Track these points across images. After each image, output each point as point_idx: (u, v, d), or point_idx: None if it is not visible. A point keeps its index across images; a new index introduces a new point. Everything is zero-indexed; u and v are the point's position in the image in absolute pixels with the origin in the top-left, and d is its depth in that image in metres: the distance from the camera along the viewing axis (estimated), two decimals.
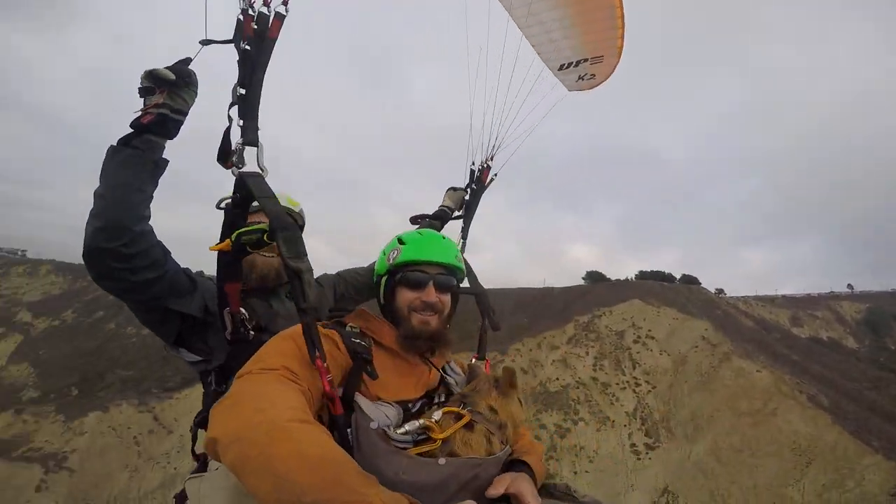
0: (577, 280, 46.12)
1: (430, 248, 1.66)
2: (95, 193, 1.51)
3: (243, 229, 1.52)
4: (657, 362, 28.37)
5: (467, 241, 2.80)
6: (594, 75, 2.98)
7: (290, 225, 1.38)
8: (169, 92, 1.55)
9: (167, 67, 1.51)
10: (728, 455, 19.44)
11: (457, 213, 2.78)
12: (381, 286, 1.70)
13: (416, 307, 1.60)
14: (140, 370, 34.44)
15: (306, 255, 1.37)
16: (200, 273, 2.01)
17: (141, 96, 1.56)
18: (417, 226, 2.60)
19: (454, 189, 2.80)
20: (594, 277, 44.58)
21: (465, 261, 2.17)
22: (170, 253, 1.73)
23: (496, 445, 1.39)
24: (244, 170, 1.47)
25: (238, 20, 1.52)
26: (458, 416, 1.39)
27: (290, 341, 1.33)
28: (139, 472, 25.28)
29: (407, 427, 1.32)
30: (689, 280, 43.47)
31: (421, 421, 1.34)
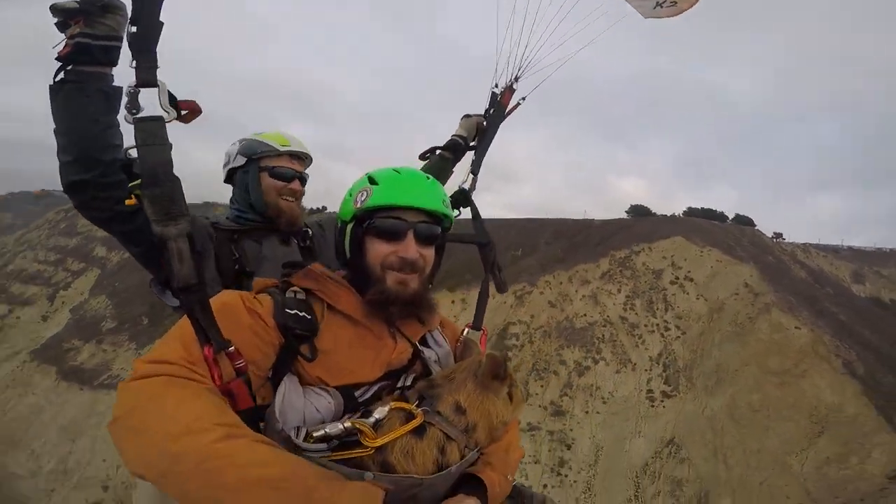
0: (620, 214, 44.10)
1: (409, 189, 1.37)
2: (55, 132, 1.50)
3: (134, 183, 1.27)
4: (692, 307, 27.74)
5: (479, 177, 2.43)
6: (675, 2, 2.61)
7: (162, 180, 1.12)
8: (85, 21, 1.41)
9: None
10: (743, 413, 19.46)
11: (472, 144, 2.53)
12: (346, 236, 1.42)
13: (392, 264, 1.34)
14: None
15: (181, 216, 1.11)
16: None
17: (61, 31, 1.44)
18: (426, 161, 2.43)
19: (468, 116, 2.54)
20: (638, 211, 42.67)
21: (472, 203, 2.11)
22: None
23: (453, 455, 1.16)
24: (142, 114, 1.21)
25: None
26: (410, 416, 1.15)
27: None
28: None
29: (327, 429, 1.07)
30: (744, 221, 40.73)
31: (346, 423, 1.08)
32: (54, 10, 1.39)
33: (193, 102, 1.35)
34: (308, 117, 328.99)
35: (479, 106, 2.58)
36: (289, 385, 1.16)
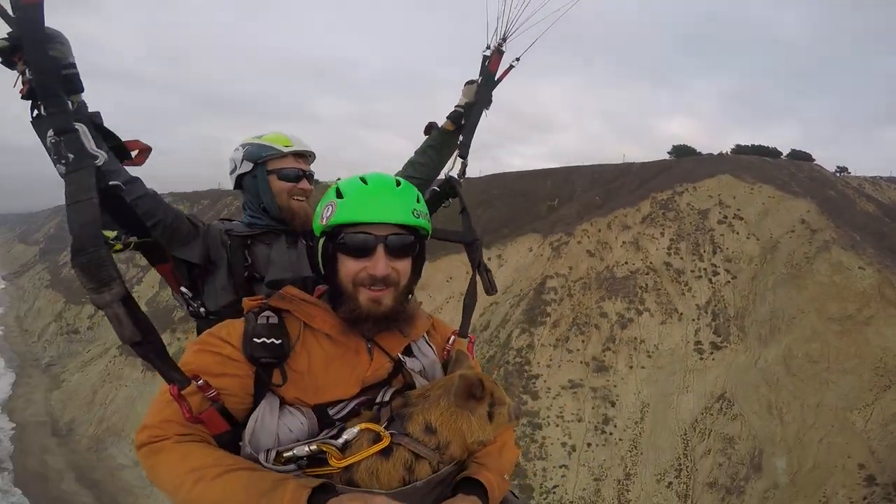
0: (662, 156, 41.68)
1: (375, 203, 1.33)
2: None
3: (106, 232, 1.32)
4: (742, 248, 26.33)
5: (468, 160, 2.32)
6: None
7: (88, 248, 1.13)
8: (25, 58, 1.33)
9: (3, 37, 1.33)
10: (801, 365, 18.58)
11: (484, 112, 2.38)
12: (318, 252, 1.41)
13: (363, 280, 1.34)
14: None
15: (112, 280, 1.13)
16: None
17: (10, 69, 1.38)
18: (428, 137, 2.38)
19: (471, 82, 2.34)
20: (681, 152, 40.19)
21: (459, 194, 2.11)
22: (164, 202, 1.82)
23: (422, 472, 1.22)
24: (70, 165, 1.23)
25: None
26: (379, 437, 1.21)
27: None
28: None
29: (295, 451, 1.17)
30: (801, 157, 37.74)
31: (313, 446, 1.17)
32: None
33: (139, 142, 1.55)
34: (336, 90, 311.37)
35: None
36: (265, 408, 1.25)
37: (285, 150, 2.08)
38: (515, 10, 2.19)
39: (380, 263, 1.32)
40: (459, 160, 2.24)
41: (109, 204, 1.39)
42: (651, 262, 27.86)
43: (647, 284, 26.71)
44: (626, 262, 28.36)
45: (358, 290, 1.34)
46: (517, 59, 2.33)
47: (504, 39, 2.28)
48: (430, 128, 2.34)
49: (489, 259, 30.74)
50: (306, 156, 2.19)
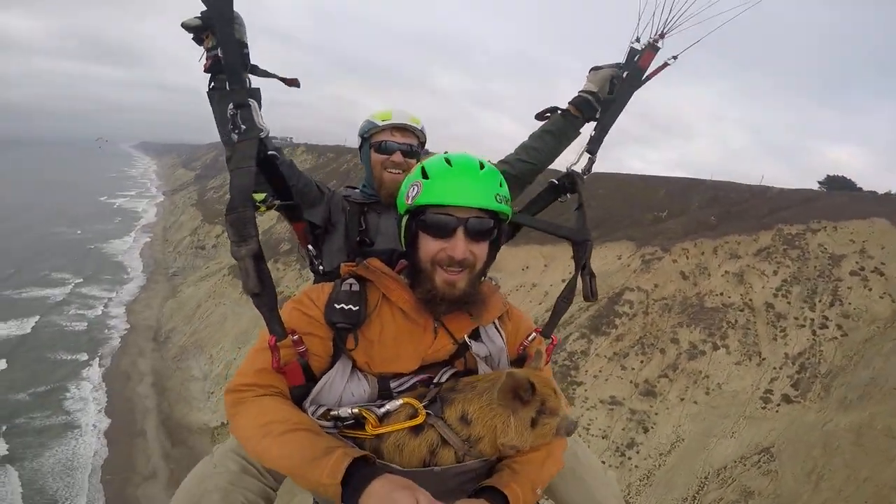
0: (811, 185, 36.50)
1: (458, 186, 1.36)
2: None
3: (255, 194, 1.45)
4: (869, 306, 22.50)
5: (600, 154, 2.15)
6: None
7: (239, 207, 1.28)
8: (211, 34, 1.55)
9: (198, 16, 1.56)
10: (874, 437, 15.64)
11: (607, 98, 2.15)
12: (401, 229, 1.47)
13: (441, 261, 1.39)
14: None
15: (251, 238, 1.26)
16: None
17: (199, 45, 1.60)
18: (544, 123, 2.27)
19: (597, 68, 2.15)
20: (835, 184, 34.46)
21: (579, 191, 1.98)
22: (298, 171, 2.12)
23: (444, 459, 1.27)
24: (240, 136, 1.42)
25: None
26: (416, 413, 1.28)
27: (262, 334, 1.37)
28: None
29: (339, 412, 1.29)
30: None
31: (355, 410, 1.29)
32: (184, 27, 1.56)
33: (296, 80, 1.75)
34: (456, 67, 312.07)
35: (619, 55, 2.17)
36: (338, 370, 1.39)
37: (381, 123, 2.25)
38: (680, 2, 1.93)
39: (459, 245, 1.36)
40: (587, 155, 2.10)
41: (266, 170, 1.58)
42: (750, 300, 24.90)
43: (736, 321, 24.02)
44: (722, 294, 25.69)
45: (435, 270, 1.40)
46: (674, 58, 2.09)
47: (662, 35, 2.05)
48: (547, 113, 2.20)
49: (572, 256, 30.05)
50: (407, 130, 2.29)
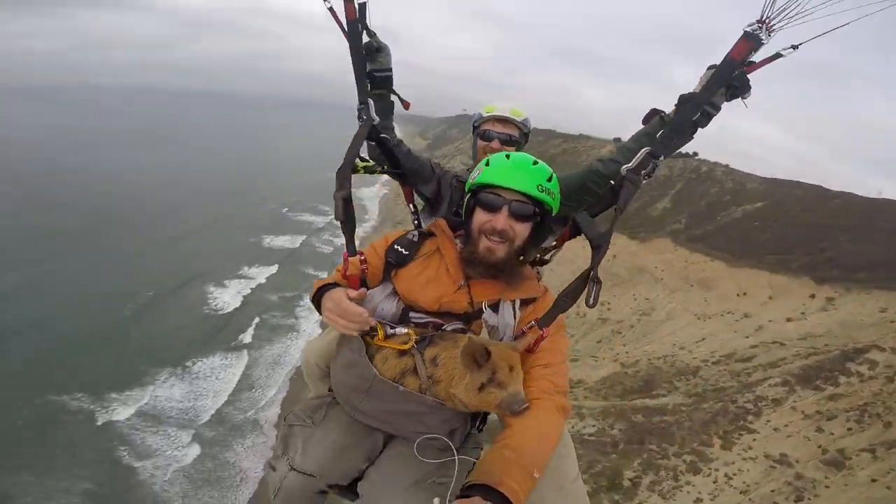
0: None
1: (509, 173, 1.73)
2: None
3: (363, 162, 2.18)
4: None
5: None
6: None
7: (343, 168, 1.91)
8: (369, 58, 2.21)
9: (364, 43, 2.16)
10: None
11: (717, 99, 1.81)
12: (465, 203, 1.87)
13: (486, 230, 1.74)
14: None
15: (345, 187, 1.86)
16: None
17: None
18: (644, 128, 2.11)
19: (713, 67, 1.79)
20: None
21: (625, 196, 1.79)
22: (414, 156, 2.52)
23: (407, 383, 1.61)
24: (361, 123, 2.05)
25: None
26: (406, 341, 1.65)
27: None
28: None
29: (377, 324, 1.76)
30: None
31: (374, 323, 1.70)
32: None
33: (406, 102, 2.40)
34: (693, 58, 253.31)
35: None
36: (379, 289, 1.90)
37: (486, 114, 2.65)
38: None
39: (501, 219, 1.71)
40: (652, 161, 1.79)
41: (382, 147, 2.27)
42: None
43: None
44: None
45: (480, 238, 1.74)
46: (794, 47, 1.62)
47: (763, 22, 1.58)
48: (652, 115, 2.02)
49: (831, 297, 24.63)
50: (507, 121, 2.63)
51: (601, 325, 30.13)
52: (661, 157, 1.80)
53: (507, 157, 1.78)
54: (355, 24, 2.02)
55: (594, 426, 19.08)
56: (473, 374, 1.49)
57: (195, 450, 23.53)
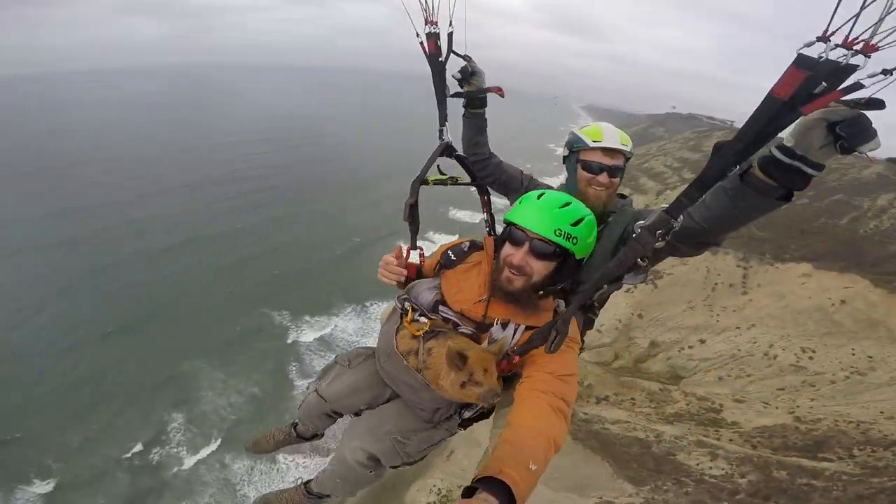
0: None
1: (531, 214, 1.90)
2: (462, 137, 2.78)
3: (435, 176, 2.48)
4: None
5: None
6: None
7: (416, 179, 2.34)
8: (466, 81, 2.60)
9: (457, 73, 2.57)
10: None
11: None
12: (501, 234, 2.09)
13: (508, 263, 1.93)
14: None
15: (414, 194, 2.32)
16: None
17: (460, 86, 2.63)
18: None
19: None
20: None
21: (644, 264, 1.56)
22: (504, 168, 2.85)
23: (411, 361, 2.01)
24: (440, 143, 2.43)
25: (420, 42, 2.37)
26: (420, 329, 2.02)
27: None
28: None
29: (406, 301, 2.16)
30: None
31: (405, 306, 2.14)
32: (454, 77, 2.54)
33: (498, 88, 2.63)
34: None
35: None
36: (426, 280, 2.27)
37: (592, 144, 2.43)
38: None
39: (518, 255, 1.90)
40: (660, 210, 1.55)
41: (460, 162, 2.57)
42: None
43: None
44: None
45: (504, 268, 1.95)
46: (887, 72, 1.02)
47: (826, 39, 1.08)
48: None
49: None
50: (616, 151, 2.44)
51: (793, 372, 24.76)
52: (679, 219, 1.50)
53: (539, 196, 1.93)
54: (435, 56, 2.36)
55: (722, 470, 16.02)
56: (456, 374, 1.79)
57: None
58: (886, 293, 27.01)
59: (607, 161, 2.42)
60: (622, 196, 2.63)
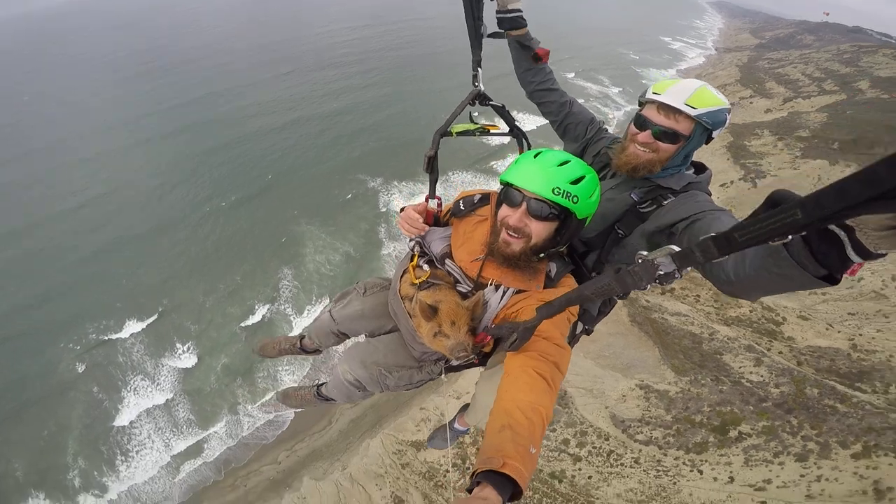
0: None
1: (527, 173, 1.81)
2: None
3: (461, 125, 2.40)
4: None
5: None
6: None
7: (440, 129, 2.28)
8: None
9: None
10: None
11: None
12: (498, 195, 2.01)
13: (505, 224, 1.88)
14: None
15: (435, 144, 2.26)
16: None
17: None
18: None
19: None
20: None
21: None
22: (574, 111, 2.60)
23: (406, 306, 2.15)
24: (476, 88, 2.36)
25: None
26: (421, 276, 2.12)
27: None
28: None
29: (417, 245, 2.28)
30: None
31: (417, 250, 2.27)
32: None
33: (545, 49, 2.47)
34: None
35: None
36: (442, 230, 2.31)
37: (651, 96, 2.09)
38: None
39: (516, 215, 1.85)
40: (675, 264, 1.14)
41: (496, 110, 2.49)
42: None
43: None
44: None
45: (501, 230, 1.91)
46: None
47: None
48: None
49: None
50: (678, 112, 2.02)
51: (872, 298, 23.89)
52: (686, 270, 1.05)
53: (537, 155, 1.86)
54: None
55: (761, 377, 17.38)
56: (428, 324, 1.89)
57: None
58: None
59: (661, 120, 2.04)
60: (699, 169, 2.24)
